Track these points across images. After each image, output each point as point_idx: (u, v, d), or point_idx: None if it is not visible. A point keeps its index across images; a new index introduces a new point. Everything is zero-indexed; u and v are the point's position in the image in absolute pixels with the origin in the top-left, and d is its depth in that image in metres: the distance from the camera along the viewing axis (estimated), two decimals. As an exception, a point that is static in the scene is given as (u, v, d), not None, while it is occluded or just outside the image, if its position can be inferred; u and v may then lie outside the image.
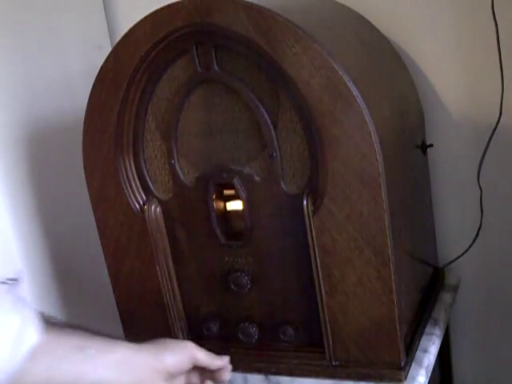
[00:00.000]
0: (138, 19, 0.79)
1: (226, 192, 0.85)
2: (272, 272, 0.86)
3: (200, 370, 0.77)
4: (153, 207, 0.87)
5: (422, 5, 1.00)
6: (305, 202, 0.78)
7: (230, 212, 0.87)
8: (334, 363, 0.84)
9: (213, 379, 0.77)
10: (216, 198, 0.85)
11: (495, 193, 1.02)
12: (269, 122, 0.79)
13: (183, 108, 0.83)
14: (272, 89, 0.78)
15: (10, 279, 0.65)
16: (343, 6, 0.98)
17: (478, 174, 0.97)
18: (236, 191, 0.83)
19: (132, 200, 0.88)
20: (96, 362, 0.67)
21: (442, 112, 1.03)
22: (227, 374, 0.77)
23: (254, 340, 0.89)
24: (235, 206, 0.86)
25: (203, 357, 0.76)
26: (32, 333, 0.62)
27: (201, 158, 0.85)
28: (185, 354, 0.75)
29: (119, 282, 0.93)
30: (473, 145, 1.02)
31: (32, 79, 1.03)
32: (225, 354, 0.87)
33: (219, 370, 0.77)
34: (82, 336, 0.68)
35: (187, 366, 0.75)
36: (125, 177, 0.87)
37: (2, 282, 0.64)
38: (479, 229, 1.00)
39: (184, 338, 0.92)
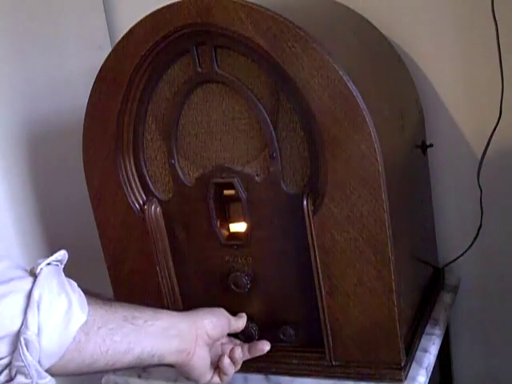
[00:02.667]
0: (138, 19, 0.79)
1: (226, 192, 0.85)
2: (272, 272, 0.86)
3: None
4: (153, 207, 0.87)
5: (422, 5, 1.00)
6: (305, 202, 0.78)
7: (229, 212, 0.87)
8: (333, 363, 0.84)
9: (251, 351, 0.84)
10: (216, 198, 0.85)
11: (495, 193, 1.02)
12: (269, 121, 0.79)
13: (183, 108, 0.83)
14: (272, 89, 0.78)
15: (55, 261, 0.67)
16: (343, 5, 0.98)
17: (477, 174, 0.97)
18: (236, 191, 0.83)
19: (132, 200, 0.88)
20: (145, 331, 0.71)
21: (442, 112, 1.03)
22: (266, 346, 0.83)
23: (254, 340, 0.89)
24: (235, 208, 0.86)
25: (233, 320, 0.83)
26: (79, 313, 0.64)
27: (201, 158, 0.85)
28: (222, 318, 0.81)
29: (119, 282, 0.93)
30: (473, 145, 1.02)
31: (32, 79, 1.03)
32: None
33: (259, 342, 0.83)
34: (128, 308, 0.71)
35: (226, 329, 0.81)
36: (125, 177, 0.87)
37: (48, 264, 0.65)
38: (479, 229, 1.00)
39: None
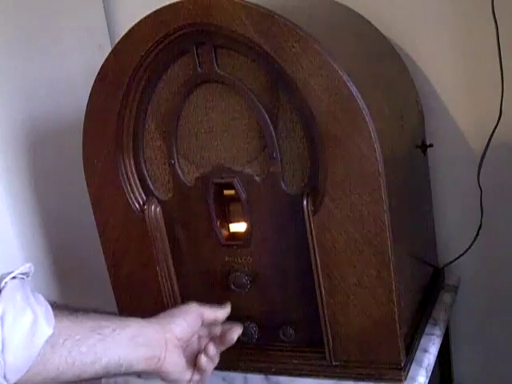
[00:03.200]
0: (138, 19, 0.79)
1: (226, 192, 0.85)
2: (272, 272, 0.86)
3: (208, 327, 0.81)
4: (153, 207, 0.87)
5: (422, 5, 1.00)
6: (305, 202, 0.78)
7: (229, 212, 0.87)
8: (334, 363, 0.84)
9: (222, 342, 0.80)
10: (216, 198, 0.85)
11: (495, 193, 1.02)
12: (269, 122, 0.79)
13: (183, 108, 0.83)
14: (272, 89, 0.78)
15: (21, 274, 0.66)
16: (343, 5, 0.98)
17: (478, 174, 0.97)
18: (236, 191, 0.83)
19: (132, 200, 0.88)
20: (111, 340, 0.70)
21: (442, 112, 1.03)
22: (234, 335, 0.80)
23: (253, 340, 0.89)
24: (235, 208, 0.86)
25: (209, 312, 0.80)
26: (45, 326, 0.63)
27: (201, 158, 0.85)
28: (191, 317, 0.78)
29: (119, 282, 0.93)
30: (473, 145, 1.02)
31: (32, 79, 1.03)
32: (225, 353, 0.88)
33: (228, 331, 0.80)
34: (95, 318, 0.70)
35: (197, 327, 0.79)
36: (125, 177, 0.87)
37: (13, 278, 0.65)
38: (479, 229, 1.00)
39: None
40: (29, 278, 0.68)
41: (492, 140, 0.95)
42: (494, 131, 0.95)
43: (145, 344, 0.73)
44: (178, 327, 0.76)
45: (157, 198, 0.88)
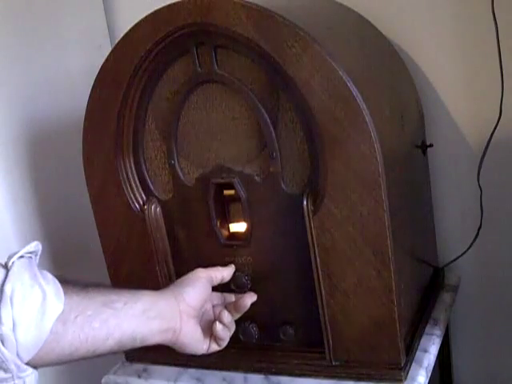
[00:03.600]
0: (138, 19, 0.79)
1: (226, 192, 0.85)
2: (272, 272, 0.86)
3: (222, 295, 0.83)
4: (153, 207, 0.87)
5: (421, 5, 1.00)
6: (305, 202, 0.78)
7: (229, 212, 0.87)
8: (334, 363, 0.84)
9: (236, 309, 0.81)
10: (216, 198, 0.85)
11: (495, 193, 1.02)
12: (269, 122, 0.79)
13: (183, 108, 0.83)
14: (272, 89, 0.78)
15: (28, 252, 0.66)
16: (343, 5, 0.98)
17: (478, 174, 0.97)
18: (236, 191, 0.83)
19: (132, 200, 0.88)
20: (124, 314, 0.69)
21: (442, 112, 1.03)
22: (248, 301, 0.80)
23: (254, 340, 0.89)
24: (235, 208, 0.86)
25: (215, 273, 0.81)
26: (55, 304, 0.63)
27: (201, 158, 0.85)
28: (200, 283, 0.79)
29: (119, 282, 0.92)
30: (473, 145, 1.02)
31: (32, 79, 1.03)
32: (225, 353, 0.88)
33: (242, 297, 0.81)
34: (106, 292, 0.70)
35: (208, 292, 0.79)
36: (125, 177, 0.87)
37: (21, 257, 0.64)
38: (479, 229, 1.00)
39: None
40: (37, 257, 0.67)
41: (492, 140, 0.95)
42: (493, 131, 0.95)
43: (158, 317, 0.72)
44: (189, 296, 0.76)
45: (157, 197, 0.88)
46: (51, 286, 0.64)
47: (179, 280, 0.80)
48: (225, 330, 0.78)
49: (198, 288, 0.78)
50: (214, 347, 0.79)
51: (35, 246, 0.67)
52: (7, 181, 0.99)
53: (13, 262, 0.63)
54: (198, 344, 0.77)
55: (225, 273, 0.83)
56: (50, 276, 0.66)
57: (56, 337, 0.63)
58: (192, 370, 0.93)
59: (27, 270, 0.63)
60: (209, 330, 0.79)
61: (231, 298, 0.83)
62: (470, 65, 1.00)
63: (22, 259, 0.64)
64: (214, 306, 0.82)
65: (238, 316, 0.81)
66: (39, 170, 1.04)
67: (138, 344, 0.71)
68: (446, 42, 1.00)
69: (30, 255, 0.66)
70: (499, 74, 0.93)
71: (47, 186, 1.05)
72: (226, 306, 0.81)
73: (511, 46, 0.93)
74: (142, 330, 0.71)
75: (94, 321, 0.66)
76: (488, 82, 0.98)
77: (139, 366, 0.96)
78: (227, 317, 0.78)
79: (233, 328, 0.80)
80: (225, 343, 0.79)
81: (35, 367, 0.62)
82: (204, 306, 0.79)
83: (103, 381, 0.95)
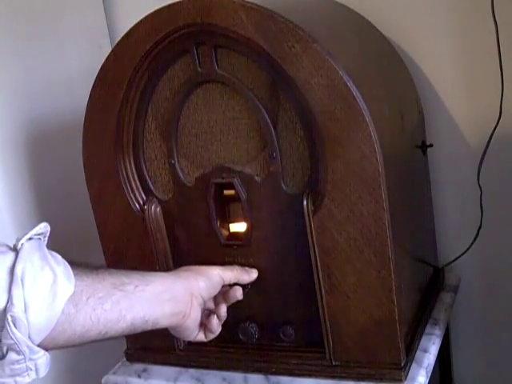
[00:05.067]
0: (138, 19, 0.79)
1: (226, 192, 0.85)
2: (272, 272, 0.86)
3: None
4: (153, 207, 0.87)
5: (421, 5, 1.00)
6: (305, 202, 0.78)
7: (229, 212, 0.87)
8: (334, 363, 0.84)
9: (226, 299, 0.81)
10: (216, 198, 0.85)
11: (495, 193, 1.02)
12: (269, 122, 0.79)
13: (183, 108, 0.83)
14: (272, 89, 0.78)
15: (37, 234, 0.65)
16: (343, 5, 0.98)
17: (478, 174, 0.97)
18: (236, 191, 0.83)
19: (132, 200, 0.88)
20: (136, 297, 0.69)
21: (442, 112, 1.03)
22: (238, 293, 0.81)
23: (254, 340, 0.89)
24: (235, 208, 0.86)
25: (232, 277, 0.81)
26: (66, 285, 0.62)
27: (201, 158, 0.85)
28: (216, 278, 0.79)
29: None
30: (473, 145, 1.02)
31: (32, 79, 1.03)
32: (225, 353, 0.88)
33: (231, 290, 0.81)
34: (116, 274, 0.69)
35: (217, 290, 0.80)
36: (125, 177, 0.87)
37: (29, 239, 0.64)
38: (479, 229, 1.00)
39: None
40: (45, 238, 0.67)
41: (492, 140, 0.95)
42: (493, 131, 0.95)
43: (171, 299, 0.73)
44: (204, 286, 0.77)
45: (157, 197, 0.88)
46: (62, 267, 0.64)
47: (197, 267, 0.80)
48: (218, 324, 0.79)
49: (213, 282, 0.79)
50: (201, 337, 0.80)
51: (44, 227, 0.67)
52: (7, 181, 0.99)
53: (22, 244, 0.62)
54: (193, 330, 0.78)
55: (245, 277, 0.83)
56: (60, 257, 0.65)
57: (68, 318, 0.62)
58: (192, 370, 0.93)
59: (37, 252, 0.63)
60: (200, 321, 0.80)
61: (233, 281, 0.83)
62: (469, 65, 1.00)
63: (31, 241, 0.64)
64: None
65: (227, 305, 0.82)
66: (39, 170, 1.04)
67: (150, 327, 0.71)
68: (446, 42, 1.00)
69: (38, 237, 0.66)
70: (499, 74, 0.93)
71: (47, 185, 1.05)
72: (216, 297, 0.82)
73: (511, 46, 0.93)
74: (154, 313, 0.71)
75: (105, 302, 0.66)
76: (488, 82, 0.98)
77: (139, 366, 0.96)
78: (224, 311, 0.79)
79: (223, 321, 0.81)
80: (213, 336, 0.80)
81: (47, 349, 0.62)
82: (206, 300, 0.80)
83: (103, 381, 0.95)
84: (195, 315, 0.76)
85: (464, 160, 1.04)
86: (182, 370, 0.93)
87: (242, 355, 0.90)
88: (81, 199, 0.94)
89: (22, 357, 0.59)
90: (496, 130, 0.95)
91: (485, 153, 0.96)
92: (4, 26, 0.98)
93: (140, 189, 0.88)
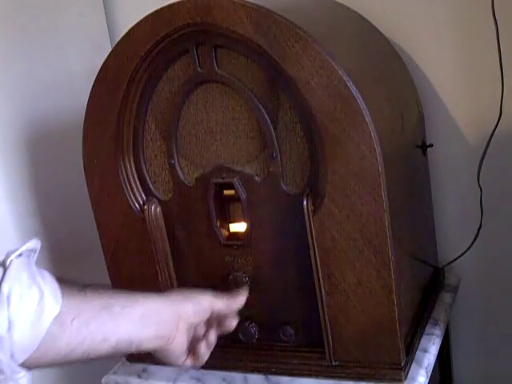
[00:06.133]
0: (138, 19, 0.79)
1: (226, 192, 0.85)
2: (272, 272, 0.86)
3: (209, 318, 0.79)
4: (153, 207, 0.87)
5: (421, 5, 1.00)
6: (305, 202, 0.78)
7: (229, 212, 0.87)
8: (334, 363, 0.84)
9: (220, 329, 0.79)
10: (216, 198, 0.85)
11: (495, 193, 1.02)
12: (269, 122, 0.79)
13: (183, 108, 0.83)
14: (272, 89, 0.78)
15: (27, 250, 0.65)
16: (343, 5, 0.98)
17: (478, 174, 0.97)
18: (236, 191, 0.83)
19: (132, 200, 0.88)
20: (122, 319, 0.69)
21: (442, 112, 1.03)
22: (233, 322, 0.79)
23: (254, 340, 0.89)
24: (235, 208, 0.86)
25: (222, 305, 0.78)
26: (52, 305, 0.62)
27: (201, 158, 0.85)
28: (205, 304, 0.77)
29: (119, 282, 0.93)
30: (473, 145, 1.02)
31: (32, 79, 1.03)
32: (225, 353, 0.88)
33: (226, 318, 0.79)
34: (105, 295, 0.69)
35: (206, 315, 0.77)
36: (125, 177, 0.87)
37: (19, 255, 0.63)
38: (479, 229, 1.00)
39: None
40: (35, 255, 0.66)
41: (492, 140, 0.95)
42: (494, 131, 0.95)
43: (157, 322, 0.72)
44: (192, 311, 0.75)
45: (157, 198, 0.88)
46: (49, 286, 0.63)
47: (188, 291, 0.79)
48: (207, 352, 0.78)
49: (203, 308, 0.77)
50: (189, 362, 0.78)
51: (34, 243, 0.66)
52: (7, 181, 0.99)
53: (11, 261, 0.62)
54: (180, 356, 0.77)
55: (233, 305, 0.80)
56: (48, 276, 0.65)
57: (52, 338, 0.62)
58: (192, 370, 0.93)
59: (25, 270, 0.63)
60: (189, 346, 0.78)
61: (214, 317, 0.81)
62: (469, 65, 1.00)
63: (20, 258, 0.63)
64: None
65: (219, 334, 0.80)
66: (39, 170, 1.04)
67: (134, 349, 0.71)
68: (446, 42, 1.00)
69: (28, 253, 0.65)
70: (499, 74, 0.93)
71: (47, 186, 1.05)
72: (208, 324, 0.80)
73: (511, 45, 0.93)
74: (139, 335, 0.70)
75: (91, 324, 0.65)
76: (488, 82, 0.98)
77: (139, 366, 0.96)
78: (214, 337, 0.78)
79: (212, 348, 0.79)
80: (201, 363, 0.79)
81: (30, 368, 0.61)
82: (197, 326, 0.78)
83: (103, 381, 0.95)
84: (181, 340, 0.75)
85: (464, 160, 1.04)
86: (182, 370, 0.93)
87: (242, 355, 0.90)
88: (81, 199, 0.94)
89: (4, 376, 0.59)
90: (496, 130, 0.95)
91: (485, 153, 0.96)
92: (4, 26, 0.98)
93: (140, 189, 0.88)
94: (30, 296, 0.61)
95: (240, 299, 0.81)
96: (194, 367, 0.79)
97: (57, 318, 0.62)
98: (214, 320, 0.79)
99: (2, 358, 0.58)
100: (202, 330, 0.79)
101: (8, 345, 0.58)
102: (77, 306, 0.65)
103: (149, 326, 0.71)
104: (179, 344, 0.75)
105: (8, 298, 0.59)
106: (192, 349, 0.78)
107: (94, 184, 0.89)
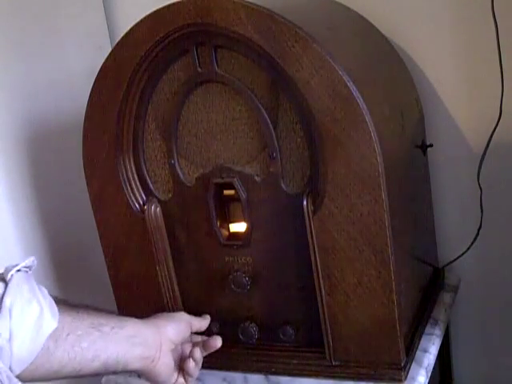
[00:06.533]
0: (138, 19, 0.79)
1: (226, 192, 0.85)
2: (272, 272, 0.86)
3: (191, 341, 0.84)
4: (153, 207, 0.87)
5: (422, 5, 1.00)
6: (305, 202, 0.78)
7: (229, 212, 0.87)
8: (334, 363, 0.84)
9: (206, 348, 0.83)
10: (216, 198, 0.85)
11: (495, 193, 1.02)
12: (269, 122, 0.79)
13: (183, 108, 0.83)
14: (272, 89, 0.78)
15: (26, 267, 0.67)
16: (343, 5, 0.98)
17: (478, 174, 0.97)
18: (236, 191, 0.83)
19: (132, 200, 0.88)
20: (111, 338, 0.72)
21: (442, 112, 1.03)
22: (218, 342, 0.83)
23: (254, 340, 0.89)
24: (235, 208, 0.86)
25: (196, 322, 0.84)
26: (50, 320, 0.64)
27: (201, 158, 0.85)
28: (183, 325, 0.82)
29: (119, 282, 0.93)
30: (473, 145, 1.02)
31: (32, 79, 1.03)
32: (225, 354, 0.88)
33: (210, 338, 0.83)
34: (95, 315, 0.72)
35: (187, 335, 0.82)
36: (125, 177, 0.87)
37: (18, 270, 0.65)
38: (479, 229, 1.00)
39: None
40: (31, 272, 0.68)
41: (492, 140, 0.95)
42: (494, 131, 0.95)
43: (142, 344, 0.75)
44: (172, 331, 0.79)
45: (157, 198, 0.88)
46: (48, 301, 0.66)
47: (164, 314, 0.83)
48: (195, 368, 0.81)
49: (181, 327, 0.81)
50: (181, 381, 0.81)
51: (32, 261, 0.69)
52: (7, 180, 0.99)
53: (12, 275, 0.64)
54: (170, 375, 0.80)
55: (203, 323, 0.86)
56: (46, 292, 0.68)
57: (47, 352, 0.64)
58: (192, 370, 0.93)
59: (26, 284, 0.65)
60: (177, 365, 0.81)
61: (197, 338, 0.85)
62: (469, 65, 1.00)
63: (19, 273, 0.66)
64: (182, 344, 0.83)
65: (205, 354, 0.83)
66: (39, 170, 1.04)
67: (120, 368, 0.73)
68: (446, 42, 1.00)
69: (26, 269, 0.67)
70: (499, 74, 0.93)
71: (47, 185, 1.05)
72: (194, 344, 0.83)
73: (511, 45, 0.93)
74: (126, 355, 0.73)
75: (83, 341, 0.68)
76: (488, 82, 0.98)
77: (139, 366, 0.96)
78: (198, 354, 0.81)
79: (200, 365, 0.82)
80: (192, 380, 0.82)
81: (23, 382, 0.62)
82: (179, 345, 0.82)
83: (103, 381, 0.95)
84: (165, 360, 0.78)
85: (464, 160, 1.04)
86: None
87: (242, 355, 0.90)
88: (81, 199, 0.94)
89: None
90: (496, 130, 0.95)
91: (485, 153, 0.96)
92: (4, 26, 0.98)
93: (140, 189, 0.88)
94: (30, 310, 0.63)
95: (206, 321, 0.86)
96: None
97: (53, 333, 0.65)
98: (196, 341, 0.84)
99: (1, 367, 0.59)
100: (188, 348, 0.82)
101: (8, 355, 0.60)
102: (71, 323, 0.68)
103: (135, 346, 0.74)
104: (164, 365, 0.78)
105: (10, 310, 0.61)
106: (182, 367, 0.81)
107: (94, 184, 0.89)
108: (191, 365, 0.80)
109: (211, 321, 0.90)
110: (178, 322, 0.81)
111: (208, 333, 0.90)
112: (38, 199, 1.04)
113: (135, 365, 0.75)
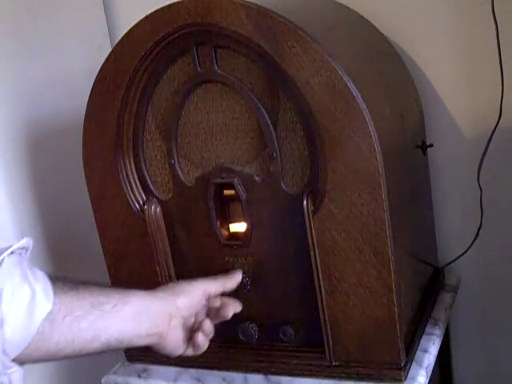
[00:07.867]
0: (138, 19, 0.79)
1: (226, 192, 0.85)
2: (272, 272, 0.86)
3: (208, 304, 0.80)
4: (153, 207, 0.87)
5: (421, 5, 1.00)
6: (305, 202, 0.78)
7: (229, 212, 0.87)
8: (334, 363, 0.84)
9: (217, 316, 0.79)
10: (216, 198, 0.85)
11: (495, 193, 1.02)
12: (269, 122, 0.79)
13: (183, 108, 0.83)
14: (272, 89, 0.78)
15: (19, 248, 0.65)
16: (343, 5, 0.98)
17: (478, 174, 0.97)
18: (236, 191, 0.83)
19: (132, 200, 0.88)
20: (113, 317, 0.69)
21: (442, 112, 1.03)
22: (231, 312, 0.79)
23: (254, 340, 0.89)
24: (235, 208, 0.86)
25: (216, 287, 0.79)
26: (44, 303, 0.63)
27: (201, 158, 0.85)
28: (197, 295, 0.78)
29: (119, 282, 0.92)
30: (473, 145, 1.02)
31: (32, 79, 1.03)
32: (225, 353, 0.88)
33: (226, 306, 0.79)
34: (96, 293, 0.69)
35: (200, 304, 0.78)
36: (125, 177, 0.87)
37: (11, 253, 0.64)
38: (479, 229, 1.00)
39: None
40: (27, 252, 0.67)
41: (492, 140, 0.95)
42: (493, 131, 0.95)
43: (148, 320, 0.72)
44: (182, 304, 0.76)
45: (157, 198, 0.88)
46: (41, 284, 0.64)
47: (177, 284, 0.79)
48: (205, 340, 0.78)
49: (193, 300, 0.77)
50: (190, 351, 0.78)
51: (26, 241, 0.67)
52: (7, 181, 0.99)
53: (3, 259, 0.63)
54: (177, 348, 0.77)
55: (228, 285, 0.81)
56: (40, 274, 0.66)
57: (43, 336, 0.63)
58: (192, 370, 0.93)
59: (17, 268, 0.63)
60: (188, 335, 0.78)
61: (216, 303, 0.80)
62: (469, 65, 1.00)
63: (12, 256, 0.64)
64: (196, 313, 0.80)
65: (217, 322, 0.80)
66: (39, 170, 1.04)
67: (125, 346, 0.71)
68: (446, 42, 1.00)
69: (20, 251, 0.66)
70: (499, 74, 0.93)
71: (47, 185, 1.05)
72: (209, 311, 0.80)
73: (511, 45, 0.93)
74: (130, 333, 0.70)
75: (81, 322, 0.66)
76: (488, 82, 0.98)
77: (139, 366, 0.96)
78: (209, 327, 0.78)
79: (211, 335, 0.79)
80: (202, 351, 0.78)
81: (22, 363, 0.62)
82: (192, 316, 0.79)
83: (103, 381, 0.95)
84: (174, 334, 0.75)
85: (464, 160, 1.04)
86: (182, 370, 0.93)
87: (242, 355, 0.90)
88: (81, 199, 0.94)
89: None
90: (496, 130, 0.95)
91: (485, 153, 0.96)
92: (4, 26, 0.98)
93: (140, 189, 0.88)
94: (21, 294, 0.62)
95: (235, 278, 0.82)
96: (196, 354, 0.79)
97: (48, 316, 0.63)
98: (213, 306, 0.80)
99: None
100: (201, 316, 0.79)
101: (0, 340, 0.59)
102: (68, 304, 0.66)
103: (140, 324, 0.71)
104: (173, 338, 0.75)
105: (0, 295, 0.60)
106: (191, 338, 0.78)
107: (94, 184, 0.89)
108: (201, 338, 0.76)
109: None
110: (190, 294, 0.77)
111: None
112: (38, 199, 1.04)
113: (141, 341, 0.72)
